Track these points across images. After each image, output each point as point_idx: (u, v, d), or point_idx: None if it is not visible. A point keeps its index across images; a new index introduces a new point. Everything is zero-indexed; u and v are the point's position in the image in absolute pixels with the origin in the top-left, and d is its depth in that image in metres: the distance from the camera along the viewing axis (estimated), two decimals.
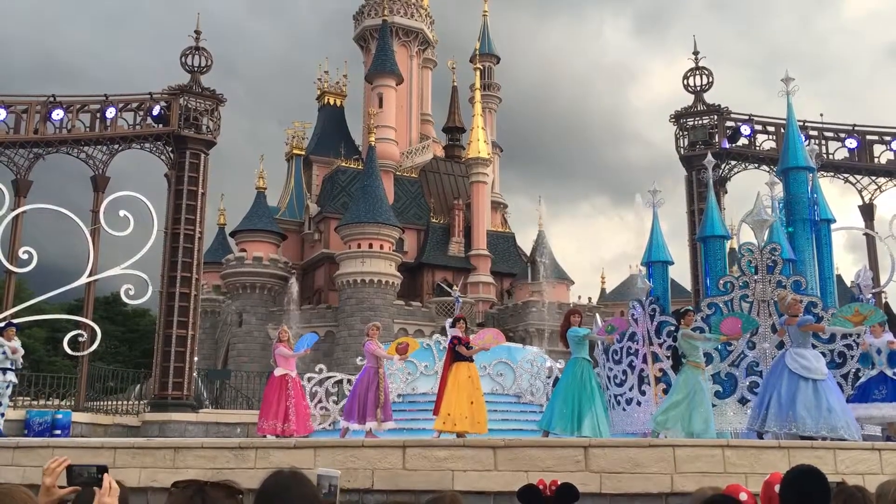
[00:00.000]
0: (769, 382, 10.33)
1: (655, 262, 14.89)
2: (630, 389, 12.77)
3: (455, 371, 12.00)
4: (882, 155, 25.23)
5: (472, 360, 12.32)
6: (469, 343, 12.22)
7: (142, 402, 23.80)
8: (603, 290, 65.09)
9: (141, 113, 23.65)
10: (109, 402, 23.33)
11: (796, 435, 9.73)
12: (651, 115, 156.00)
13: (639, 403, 12.64)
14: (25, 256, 20.56)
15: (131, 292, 21.42)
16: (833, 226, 14.42)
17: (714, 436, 10.42)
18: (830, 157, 25.09)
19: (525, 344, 28.26)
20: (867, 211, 25.16)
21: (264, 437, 12.69)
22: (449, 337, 12.41)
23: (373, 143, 54.06)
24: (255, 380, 29.64)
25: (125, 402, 23.70)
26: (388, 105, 58.60)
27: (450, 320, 12.75)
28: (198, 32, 24.77)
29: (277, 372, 13.41)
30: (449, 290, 39.72)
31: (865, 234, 24.13)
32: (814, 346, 10.80)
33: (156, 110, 23.45)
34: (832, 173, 25.27)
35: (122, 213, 21.24)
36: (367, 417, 12.74)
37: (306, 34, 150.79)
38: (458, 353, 12.08)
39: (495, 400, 17.68)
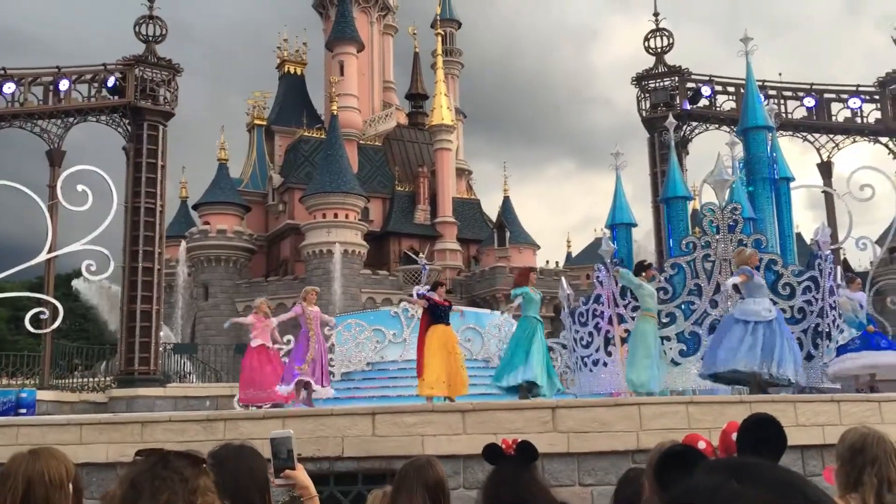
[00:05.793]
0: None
1: (619, 225, 15.01)
2: (596, 351, 12.96)
3: (433, 333, 11.86)
4: (839, 113, 25.56)
5: (448, 323, 12.29)
6: (441, 304, 12.15)
7: (108, 379, 23.58)
8: (569, 253, 65.61)
9: (95, 85, 23.15)
10: (75, 380, 23.08)
11: (716, 374, 10.27)
12: (615, 76, 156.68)
13: (605, 364, 12.84)
14: None
15: (93, 268, 21.07)
16: (792, 184, 14.58)
17: (656, 388, 10.94)
18: (789, 115, 25.35)
19: (493, 309, 28.43)
20: (825, 169, 25.54)
21: (259, 408, 12.46)
22: (416, 293, 12.29)
23: (335, 112, 53.51)
24: (223, 353, 29.49)
25: (91, 379, 23.46)
26: (350, 73, 57.92)
27: (418, 287, 12.66)
28: (150, 0, 24.18)
29: (256, 343, 13.33)
30: (415, 258, 39.72)
31: (824, 192, 24.50)
32: (774, 302, 11.00)
33: (111, 82, 22.96)
34: (791, 132, 25.57)
35: (80, 187, 20.75)
36: (283, 381, 12.62)
37: None
38: (434, 316, 12.04)
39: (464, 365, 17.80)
